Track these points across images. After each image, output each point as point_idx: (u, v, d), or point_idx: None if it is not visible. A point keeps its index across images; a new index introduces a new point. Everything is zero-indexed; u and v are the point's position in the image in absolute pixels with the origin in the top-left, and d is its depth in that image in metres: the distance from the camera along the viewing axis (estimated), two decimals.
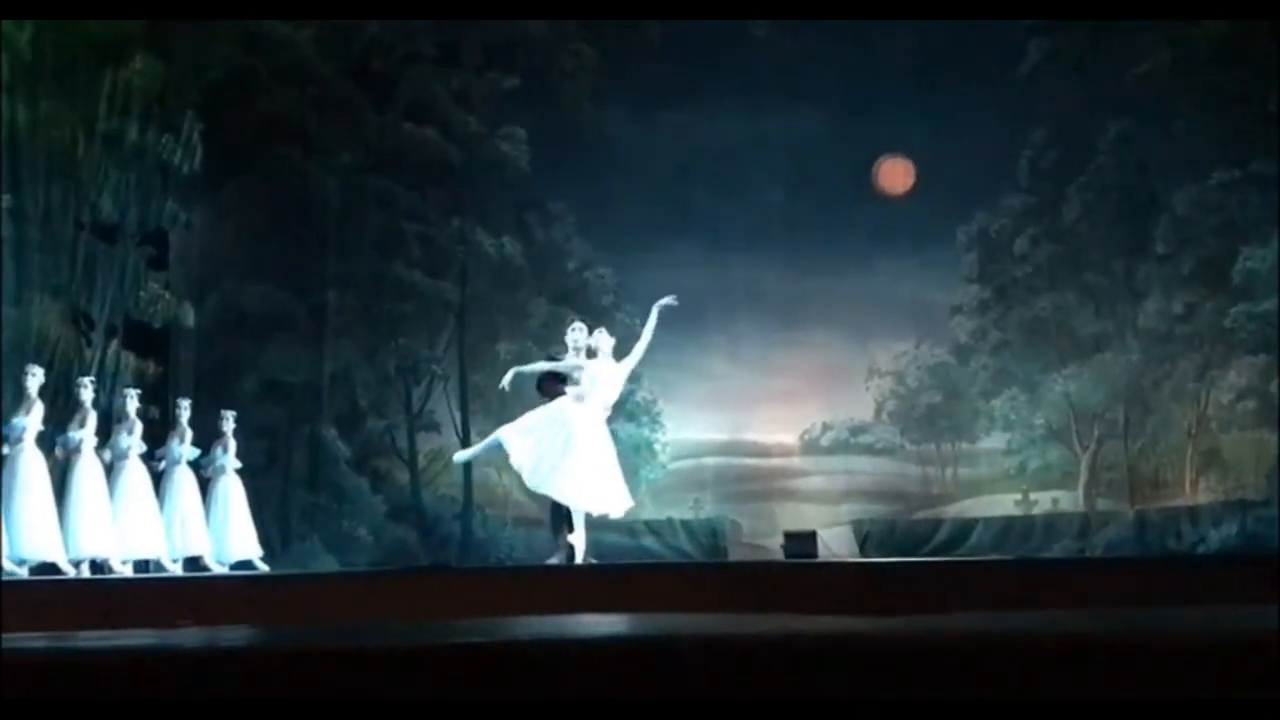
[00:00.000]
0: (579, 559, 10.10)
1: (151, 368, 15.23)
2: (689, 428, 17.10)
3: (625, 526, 14.83)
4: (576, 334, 10.52)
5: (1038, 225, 16.97)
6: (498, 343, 17.10)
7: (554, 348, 11.12)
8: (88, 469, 11.30)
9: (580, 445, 10.07)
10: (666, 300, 10.48)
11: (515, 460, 10.19)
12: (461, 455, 12.64)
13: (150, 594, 8.55)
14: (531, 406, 10.71)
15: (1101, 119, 16.54)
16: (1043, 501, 16.57)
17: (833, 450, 17.24)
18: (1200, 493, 15.87)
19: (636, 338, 10.59)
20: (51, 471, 11.02)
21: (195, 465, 12.78)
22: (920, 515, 16.84)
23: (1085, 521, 16.19)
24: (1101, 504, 16.35)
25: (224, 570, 12.52)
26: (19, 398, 10.97)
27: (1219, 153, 15.92)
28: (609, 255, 17.21)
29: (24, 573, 10.41)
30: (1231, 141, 15.85)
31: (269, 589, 9.03)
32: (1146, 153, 16.49)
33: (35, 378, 11.03)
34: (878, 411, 17.30)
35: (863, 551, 16.03)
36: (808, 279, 16.79)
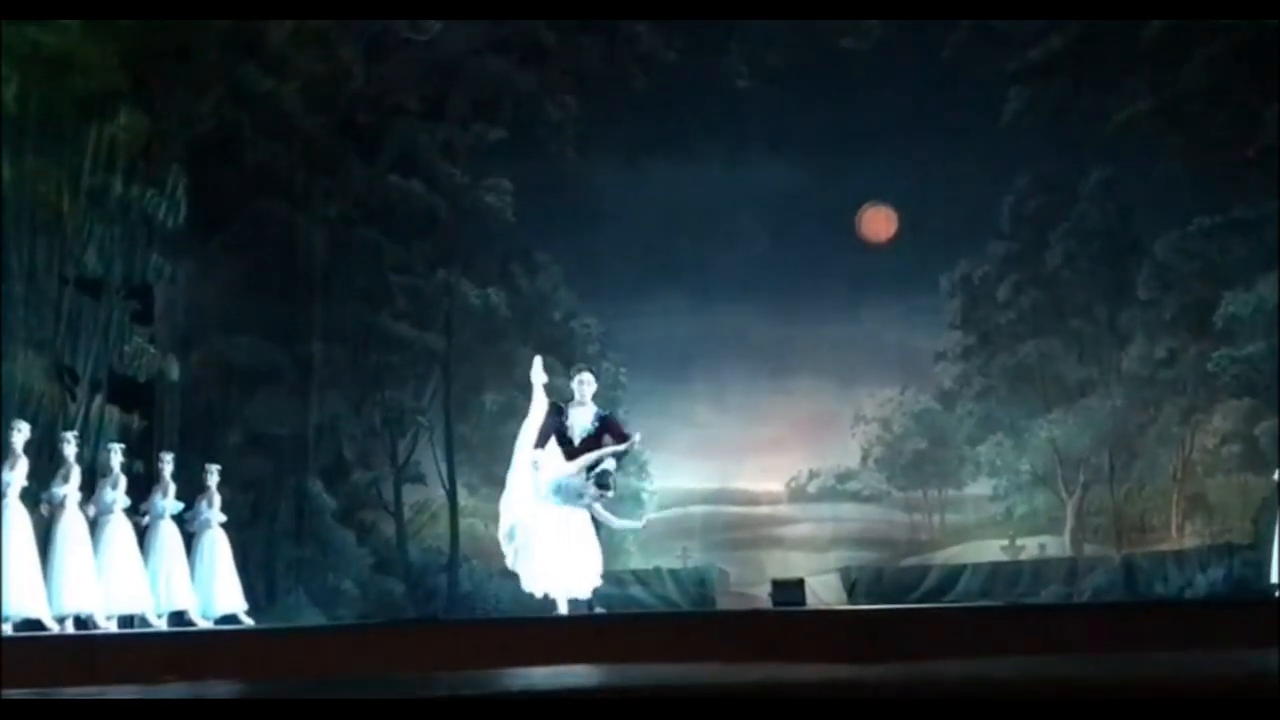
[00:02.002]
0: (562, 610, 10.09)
1: (136, 421, 15.19)
2: (676, 476, 17.08)
3: (613, 576, 14.75)
4: (584, 386, 10.46)
5: (1021, 272, 17.05)
6: (483, 393, 17.10)
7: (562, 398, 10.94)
8: (72, 524, 11.23)
9: (546, 537, 10.14)
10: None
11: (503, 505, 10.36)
12: (537, 369, 10.86)
13: (135, 649, 8.49)
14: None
15: (1083, 166, 16.67)
16: (1030, 547, 16.56)
17: (820, 498, 17.22)
18: (1187, 537, 15.88)
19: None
20: (35, 527, 10.95)
21: (180, 519, 12.72)
22: (908, 562, 16.82)
23: (1073, 566, 16.17)
24: (1088, 549, 16.34)
25: (209, 625, 12.44)
26: (3, 453, 10.91)
27: (1200, 198, 16.03)
28: (594, 305, 17.25)
29: (8, 629, 10.33)
30: (1212, 187, 15.97)
31: (254, 643, 8.97)
32: (1128, 199, 16.60)
33: (20, 433, 10.97)
34: (864, 458, 17.30)
35: (851, 599, 15.99)
36: (793, 327, 16.84)
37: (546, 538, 10.16)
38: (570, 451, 10.20)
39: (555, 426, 10.27)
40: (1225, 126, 15.93)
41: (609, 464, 10.18)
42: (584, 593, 10.13)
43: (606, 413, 10.41)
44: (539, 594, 10.19)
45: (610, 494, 10.24)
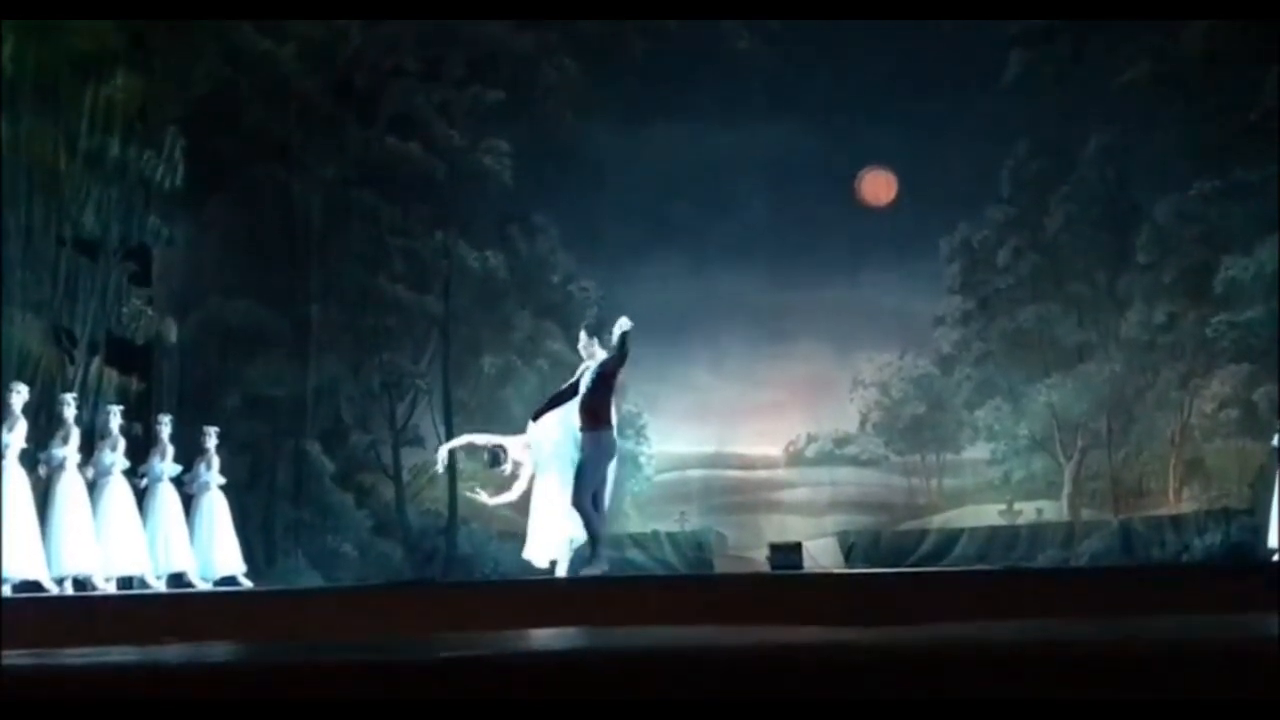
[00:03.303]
0: (560, 573, 10.16)
1: (134, 384, 15.19)
2: (674, 440, 17.10)
3: (611, 539, 14.82)
4: (584, 347, 10.49)
5: (1020, 236, 17.02)
6: (482, 356, 17.09)
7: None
8: (71, 486, 11.26)
9: (533, 498, 10.30)
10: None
11: None
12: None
13: (134, 611, 8.51)
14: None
15: (1083, 130, 16.61)
16: (1027, 511, 16.58)
17: (817, 462, 17.23)
18: (1184, 501, 15.90)
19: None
20: (34, 489, 10.97)
21: (178, 481, 12.75)
22: (905, 526, 16.85)
23: (1070, 531, 16.21)
24: (1086, 513, 16.37)
25: (208, 587, 12.48)
26: (2, 415, 10.92)
27: (1200, 163, 15.98)
28: (593, 268, 17.22)
29: (7, 590, 10.36)
30: (1212, 152, 15.91)
31: (253, 605, 8.99)
32: (1128, 163, 16.55)
33: (19, 395, 10.98)
34: (862, 423, 17.30)
35: (848, 563, 16.04)
36: (791, 291, 16.81)
37: (532, 505, 10.41)
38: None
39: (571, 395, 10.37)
40: (1225, 91, 15.86)
41: (486, 439, 10.79)
42: (542, 559, 10.28)
43: (604, 359, 10.29)
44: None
45: (503, 468, 10.60)
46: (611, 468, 10.20)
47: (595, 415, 9.96)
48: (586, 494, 9.81)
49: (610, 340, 10.07)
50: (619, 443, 10.62)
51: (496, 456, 10.61)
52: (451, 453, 16.72)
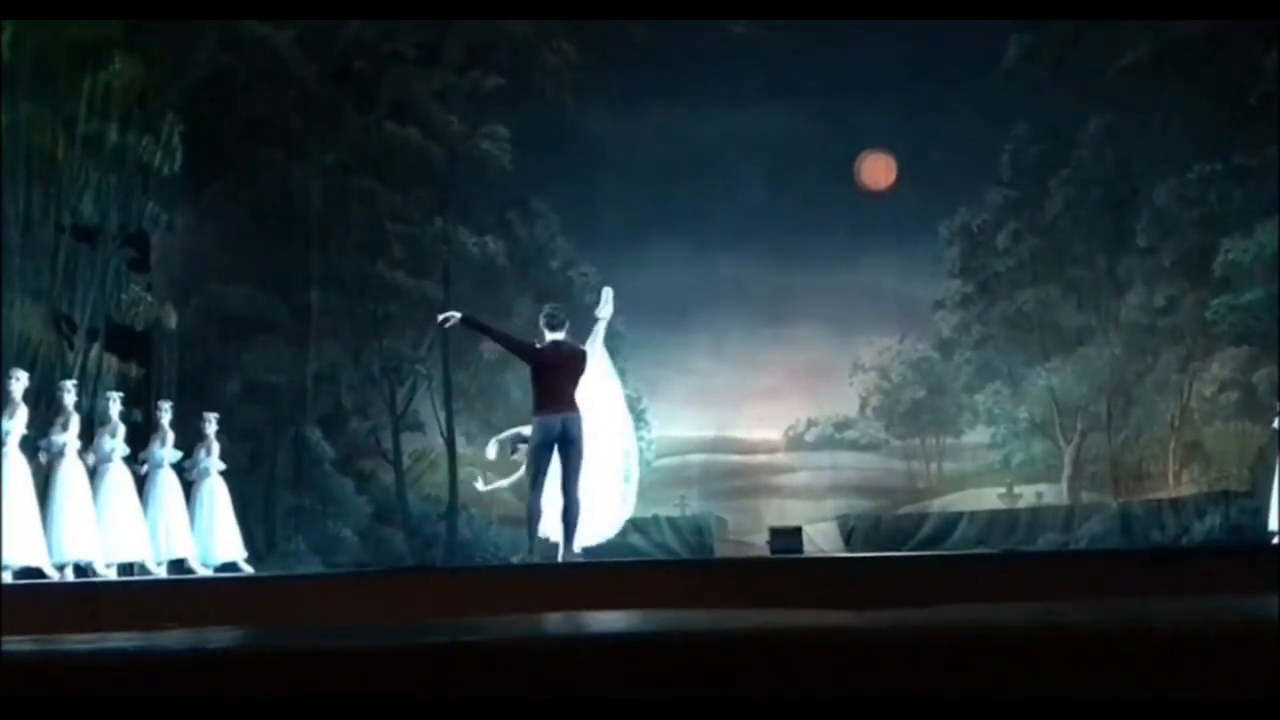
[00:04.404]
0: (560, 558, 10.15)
1: (134, 370, 15.19)
2: (674, 425, 17.11)
3: None
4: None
5: (1020, 220, 17.01)
6: (481, 342, 17.04)
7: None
8: (71, 472, 11.25)
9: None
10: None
11: None
12: None
13: (135, 597, 8.51)
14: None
15: (1082, 113, 16.59)
16: (1027, 495, 16.61)
17: (818, 446, 17.25)
18: (1184, 484, 15.92)
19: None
20: (35, 475, 10.96)
21: (179, 468, 12.75)
22: (905, 510, 16.87)
23: (1069, 514, 16.22)
24: (1085, 497, 16.39)
25: (209, 573, 12.49)
26: (2, 402, 10.91)
27: (1200, 146, 15.97)
28: (592, 254, 17.19)
29: (8, 577, 10.36)
30: (1212, 134, 15.90)
31: (254, 591, 9.00)
32: (1127, 146, 16.54)
33: (19, 381, 10.97)
34: (862, 407, 17.32)
35: (848, 546, 16.06)
36: (791, 275, 16.81)
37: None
38: None
39: None
40: (1225, 74, 15.84)
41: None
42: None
43: None
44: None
45: (514, 456, 10.88)
46: (606, 453, 10.25)
47: (535, 401, 9.91)
48: (532, 477, 9.75)
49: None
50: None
51: (514, 445, 10.74)
52: (451, 438, 16.84)
